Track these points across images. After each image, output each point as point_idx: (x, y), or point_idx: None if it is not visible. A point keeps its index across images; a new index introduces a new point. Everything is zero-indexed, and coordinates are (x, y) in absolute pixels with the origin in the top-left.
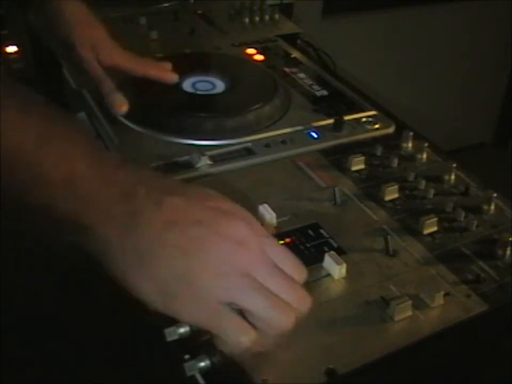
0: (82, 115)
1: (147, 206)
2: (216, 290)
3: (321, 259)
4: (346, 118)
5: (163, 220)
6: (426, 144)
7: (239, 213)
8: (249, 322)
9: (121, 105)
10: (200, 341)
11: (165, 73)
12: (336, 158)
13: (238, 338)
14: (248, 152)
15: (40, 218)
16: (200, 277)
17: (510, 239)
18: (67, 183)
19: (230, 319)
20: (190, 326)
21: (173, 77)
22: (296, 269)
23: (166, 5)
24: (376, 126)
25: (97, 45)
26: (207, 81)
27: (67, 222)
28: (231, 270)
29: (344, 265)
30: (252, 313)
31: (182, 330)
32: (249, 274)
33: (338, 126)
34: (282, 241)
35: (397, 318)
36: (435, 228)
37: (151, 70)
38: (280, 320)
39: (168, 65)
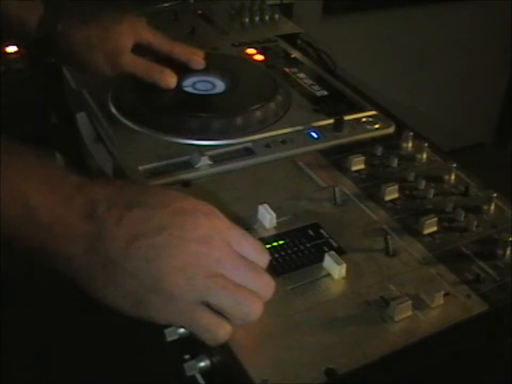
0: (82, 115)
1: (107, 224)
2: (185, 293)
3: (321, 259)
4: (346, 118)
5: (124, 235)
6: (426, 144)
7: (200, 208)
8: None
9: (173, 78)
10: (200, 341)
11: (192, 55)
12: (336, 158)
13: (215, 334)
14: (248, 152)
15: (8, 248)
16: (168, 283)
17: (510, 239)
18: (25, 217)
19: (203, 318)
20: None
21: (199, 62)
22: (259, 255)
23: (166, 5)
24: (376, 126)
25: (121, 47)
26: (207, 81)
27: (34, 250)
28: (197, 271)
29: (344, 265)
30: (221, 308)
31: (182, 330)
32: (215, 272)
33: (338, 126)
34: (282, 241)
35: (397, 318)
36: (435, 228)
37: (178, 49)
38: (250, 312)
39: (198, 52)
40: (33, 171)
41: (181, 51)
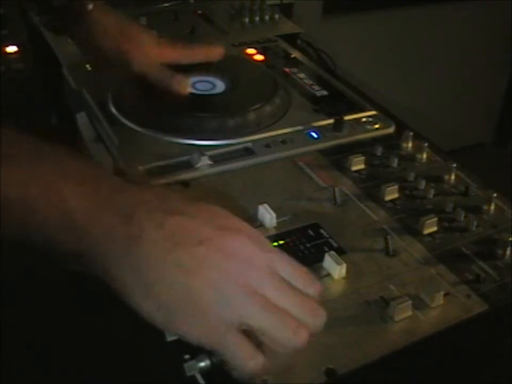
0: (82, 115)
1: (148, 228)
2: (219, 311)
3: (321, 259)
4: (346, 118)
5: (165, 241)
6: (426, 144)
7: (244, 229)
8: (259, 341)
9: (186, 85)
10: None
11: (209, 52)
12: (336, 158)
13: (245, 363)
14: (248, 152)
15: (43, 251)
16: (203, 297)
17: (510, 239)
18: (63, 221)
19: (236, 343)
20: None
21: (218, 52)
22: (308, 283)
23: (166, 5)
24: (376, 126)
25: (146, 51)
26: (207, 81)
27: (69, 253)
28: (235, 289)
29: (344, 265)
30: (261, 332)
31: None
32: (255, 292)
33: (338, 126)
34: (282, 241)
35: (397, 318)
36: (435, 228)
37: (198, 55)
38: (291, 337)
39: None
40: (70, 171)
41: (202, 53)
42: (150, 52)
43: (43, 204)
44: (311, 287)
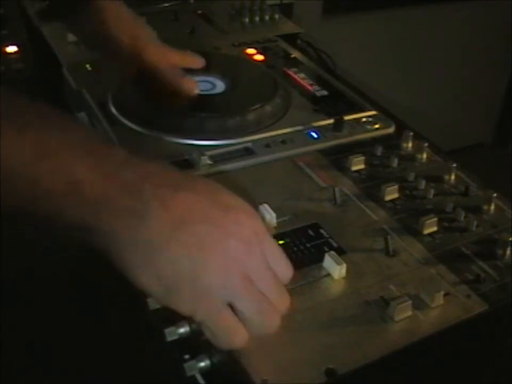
0: (82, 115)
1: (153, 203)
2: (217, 290)
3: (321, 259)
4: (346, 118)
5: (170, 217)
6: (426, 144)
7: (244, 207)
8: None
9: (194, 86)
10: (200, 341)
11: (190, 60)
12: (336, 158)
13: (230, 338)
14: (248, 152)
15: (47, 223)
16: (204, 275)
17: (510, 239)
18: (69, 191)
19: (226, 319)
20: (190, 326)
21: (198, 62)
22: (284, 269)
23: (166, 5)
24: (376, 126)
25: (153, 41)
26: (207, 81)
27: (74, 225)
28: (234, 271)
29: (344, 265)
30: (243, 313)
31: (182, 330)
32: (249, 276)
33: (338, 126)
34: (282, 241)
35: (397, 318)
36: (435, 228)
37: (187, 60)
38: (269, 323)
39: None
40: (78, 141)
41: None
42: (161, 49)
43: (50, 172)
44: (286, 275)
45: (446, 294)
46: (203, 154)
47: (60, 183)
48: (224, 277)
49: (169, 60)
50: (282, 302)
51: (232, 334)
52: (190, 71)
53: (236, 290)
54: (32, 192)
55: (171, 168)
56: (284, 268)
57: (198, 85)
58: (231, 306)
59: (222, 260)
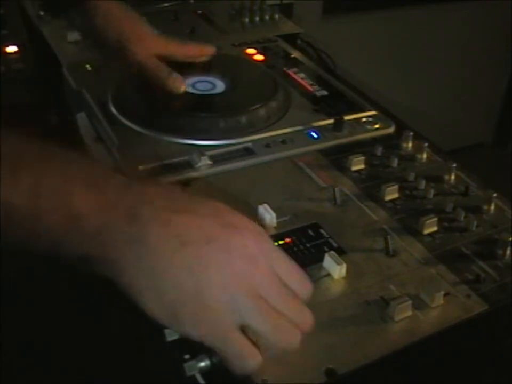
0: (82, 115)
1: (154, 228)
2: (224, 312)
3: (321, 259)
4: (346, 118)
5: (171, 241)
6: (426, 144)
7: (249, 226)
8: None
9: (181, 84)
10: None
11: (201, 50)
12: (336, 158)
13: (244, 362)
14: (248, 152)
15: (49, 255)
16: (208, 296)
17: (510, 239)
18: (70, 226)
19: (237, 342)
20: None
21: (208, 50)
22: (302, 285)
23: (166, 5)
24: (376, 126)
25: (145, 38)
26: (207, 81)
27: (76, 257)
28: (239, 290)
29: (344, 265)
30: (259, 333)
31: None
32: (258, 294)
33: (338, 126)
34: (282, 241)
35: (397, 318)
36: (435, 228)
37: (191, 51)
38: (287, 341)
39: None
40: (77, 175)
41: (195, 52)
42: (150, 44)
43: (51, 210)
44: (304, 290)
45: (446, 294)
46: (203, 154)
47: (59, 219)
48: (229, 296)
49: (165, 52)
50: (302, 318)
51: (245, 357)
52: (190, 71)
53: (244, 309)
54: (32, 228)
55: (172, 189)
56: (300, 283)
57: (185, 82)
58: (246, 329)
59: (225, 279)
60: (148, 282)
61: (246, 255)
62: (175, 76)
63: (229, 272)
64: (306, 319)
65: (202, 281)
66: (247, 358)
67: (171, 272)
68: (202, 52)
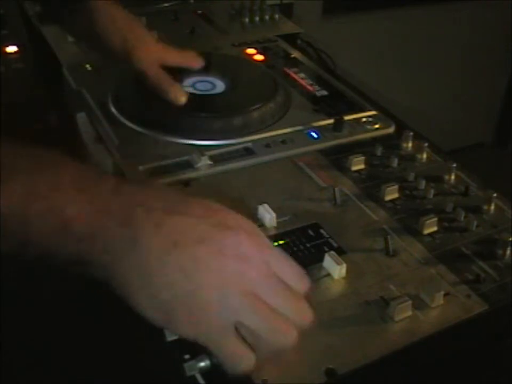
0: (82, 115)
1: (146, 229)
2: (217, 312)
3: (321, 259)
4: (346, 118)
5: (163, 242)
6: (426, 144)
7: (243, 225)
8: (249, 338)
9: (182, 96)
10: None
11: (190, 60)
12: (336, 158)
13: (237, 363)
14: (248, 152)
15: (42, 260)
16: (200, 296)
17: (510, 239)
18: (62, 230)
19: (230, 343)
20: None
21: (198, 62)
22: (299, 280)
23: (166, 5)
24: (376, 126)
25: (148, 46)
26: (207, 81)
27: (69, 261)
28: (233, 290)
29: (344, 265)
30: (254, 333)
31: None
32: (252, 293)
33: (338, 126)
34: (282, 241)
35: (397, 318)
36: (435, 228)
37: (188, 59)
38: (282, 340)
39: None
40: (68, 180)
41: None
42: (153, 52)
43: (41, 214)
44: (301, 284)
45: (446, 294)
46: (203, 154)
47: (53, 224)
48: (222, 295)
49: (166, 60)
50: (301, 315)
51: (238, 359)
52: (191, 71)
53: (237, 308)
54: (24, 234)
55: (165, 190)
56: (297, 278)
57: (187, 94)
58: (241, 329)
59: (217, 278)
60: (141, 282)
61: (239, 254)
62: (177, 87)
63: (221, 272)
64: (305, 315)
65: (195, 282)
66: (241, 358)
67: (164, 273)
68: (197, 60)
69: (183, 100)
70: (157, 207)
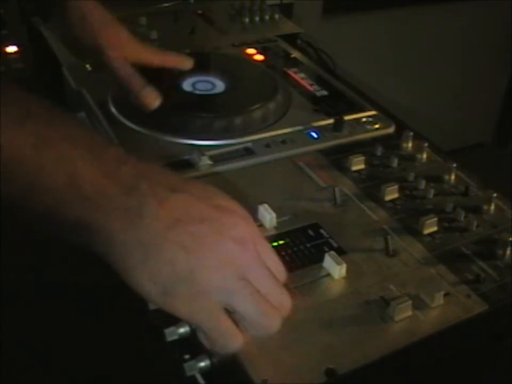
0: (82, 115)
1: (150, 202)
2: (214, 291)
3: (321, 259)
4: (346, 118)
5: (166, 217)
6: (426, 144)
7: (237, 210)
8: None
9: (155, 100)
10: (200, 341)
11: (181, 60)
12: (336, 158)
13: (227, 342)
14: (248, 152)
15: (43, 220)
16: (201, 274)
17: (510, 239)
18: (69, 185)
19: (223, 322)
20: (190, 325)
21: (188, 63)
22: (280, 273)
23: (166, 5)
24: (376, 126)
25: (122, 43)
26: (207, 81)
27: (71, 223)
28: (230, 271)
29: (344, 265)
30: (243, 316)
31: (182, 330)
32: (245, 277)
33: (338, 126)
34: (282, 241)
35: (397, 318)
36: (435, 228)
37: (169, 61)
38: (269, 325)
39: (183, 56)
40: (79, 137)
41: (173, 61)
42: (126, 49)
43: (52, 165)
44: (281, 276)
45: (446, 294)
46: (203, 154)
47: (60, 174)
48: (221, 276)
49: (141, 59)
50: (283, 302)
51: (228, 337)
52: (191, 71)
53: (233, 290)
54: (31, 183)
55: (167, 170)
56: (279, 268)
57: (160, 97)
58: (228, 311)
59: (218, 259)
60: (140, 256)
61: (237, 236)
62: (149, 91)
63: (220, 251)
64: (286, 302)
65: (196, 260)
66: (231, 338)
67: (165, 248)
68: (180, 63)
69: (154, 105)
70: (162, 184)
